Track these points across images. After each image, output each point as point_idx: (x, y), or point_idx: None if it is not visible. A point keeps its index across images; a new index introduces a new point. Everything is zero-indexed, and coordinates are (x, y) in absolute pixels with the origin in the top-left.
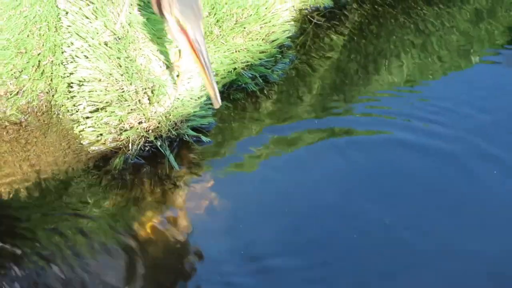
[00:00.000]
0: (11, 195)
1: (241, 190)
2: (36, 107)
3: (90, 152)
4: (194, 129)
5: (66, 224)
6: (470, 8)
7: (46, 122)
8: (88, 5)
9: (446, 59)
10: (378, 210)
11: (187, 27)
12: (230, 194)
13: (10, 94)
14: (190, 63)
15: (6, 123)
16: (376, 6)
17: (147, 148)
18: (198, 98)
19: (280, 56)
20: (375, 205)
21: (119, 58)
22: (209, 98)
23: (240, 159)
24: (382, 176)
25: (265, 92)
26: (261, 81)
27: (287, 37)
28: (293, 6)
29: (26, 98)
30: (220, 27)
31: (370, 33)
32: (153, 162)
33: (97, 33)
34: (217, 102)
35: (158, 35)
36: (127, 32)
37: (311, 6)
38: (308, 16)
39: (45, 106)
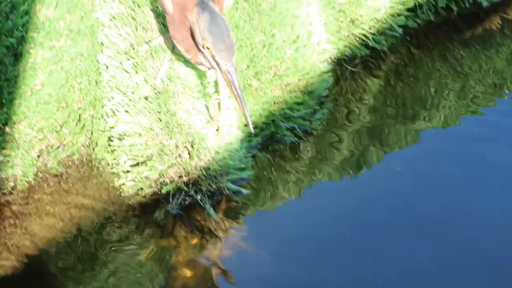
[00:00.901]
0: (52, 247)
1: (278, 240)
2: (76, 160)
3: (130, 204)
4: (233, 181)
5: (105, 274)
6: (507, 51)
7: (86, 174)
8: (128, 59)
9: (483, 102)
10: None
11: (219, 59)
12: (267, 244)
13: (51, 148)
14: (230, 117)
15: (47, 176)
16: (412, 49)
17: (187, 201)
18: (238, 151)
19: (318, 107)
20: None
21: (159, 112)
22: (248, 151)
23: (278, 209)
24: (421, 226)
25: (303, 142)
26: (300, 131)
27: (325, 88)
28: (331, 57)
29: (67, 151)
30: (258, 79)
31: (407, 77)
32: (192, 214)
33: (137, 88)
34: (251, 128)
35: (197, 89)
36: (167, 86)
37: (348, 55)
38: (345, 65)
39: (86, 159)
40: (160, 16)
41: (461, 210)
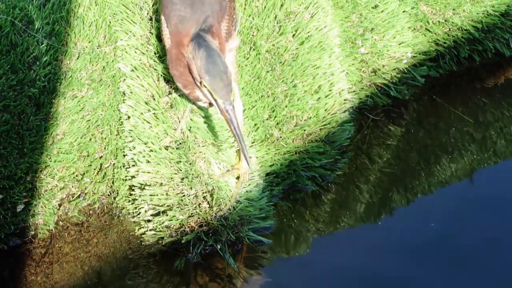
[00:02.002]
0: None
1: None
2: (97, 208)
3: (151, 252)
4: (255, 230)
5: None
6: None
7: (107, 223)
8: (149, 110)
9: (505, 152)
10: None
11: (217, 98)
12: None
13: (72, 197)
14: (246, 167)
15: (68, 224)
16: (435, 97)
17: (207, 250)
18: (259, 200)
19: (340, 156)
20: None
21: (179, 162)
22: (268, 200)
23: (298, 259)
24: (445, 275)
25: (325, 191)
26: (321, 180)
27: (347, 138)
28: (352, 107)
29: (88, 200)
30: (280, 129)
31: (428, 125)
32: (212, 262)
33: (158, 138)
34: (249, 167)
35: (217, 139)
36: (187, 137)
37: (370, 104)
38: (367, 114)
39: (107, 208)
40: None
41: (488, 257)
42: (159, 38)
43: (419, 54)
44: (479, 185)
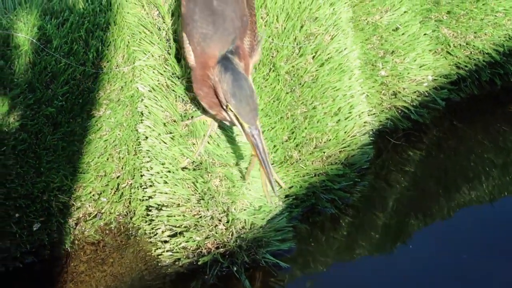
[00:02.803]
0: None
1: None
2: (114, 228)
3: (167, 273)
4: (273, 253)
5: None
6: None
7: (123, 243)
8: (167, 132)
9: None
10: None
11: (243, 122)
12: None
13: (89, 216)
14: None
15: (84, 244)
16: (455, 123)
17: (224, 272)
18: (277, 222)
19: (359, 179)
20: None
21: (196, 183)
22: (287, 222)
23: (318, 284)
24: None
25: (344, 214)
26: (340, 203)
27: (366, 160)
28: (372, 130)
29: (104, 220)
30: (299, 151)
31: (448, 150)
32: (229, 284)
33: (175, 159)
34: (274, 195)
35: (235, 162)
36: (205, 160)
37: (390, 128)
38: (387, 137)
39: (123, 228)
40: None
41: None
42: (178, 57)
43: (440, 77)
44: (499, 212)
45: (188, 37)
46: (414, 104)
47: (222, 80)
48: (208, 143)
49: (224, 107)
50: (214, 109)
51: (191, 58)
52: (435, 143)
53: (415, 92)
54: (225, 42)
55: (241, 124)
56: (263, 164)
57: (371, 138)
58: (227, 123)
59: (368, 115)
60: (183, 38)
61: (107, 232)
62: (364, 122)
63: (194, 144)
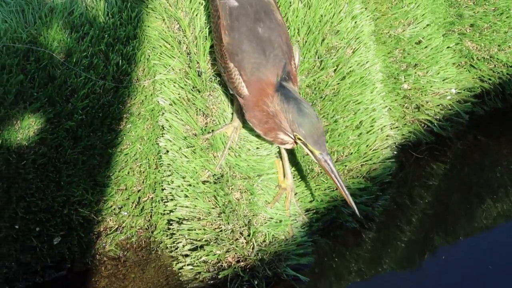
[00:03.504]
0: None
1: None
2: (135, 243)
3: None
4: (293, 267)
5: None
6: None
7: (144, 258)
8: (188, 145)
9: None
10: None
11: (313, 150)
12: None
13: (110, 230)
14: (292, 183)
15: (105, 258)
16: (479, 137)
17: (244, 286)
18: (298, 236)
19: (381, 193)
20: None
21: (216, 197)
22: (308, 236)
23: None
24: None
25: (365, 229)
26: (361, 217)
27: (388, 174)
28: (394, 143)
29: (125, 234)
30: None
31: (473, 163)
32: None
33: (196, 173)
34: (355, 210)
35: (256, 174)
36: (226, 173)
37: (413, 141)
38: (410, 151)
39: (144, 242)
40: (222, 102)
41: None
42: (199, 70)
43: (464, 90)
44: None
45: (238, 68)
46: (437, 117)
47: (285, 110)
48: (229, 155)
49: (292, 136)
50: (269, 135)
51: (242, 88)
52: (459, 157)
53: (438, 105)
54: (278, 69)
55: (311, 151)
56: (340, 187)
57: (393, 152)
58: (287, 146)
59: (391, 129)
60: (231, 68)
61: (128, 246)
62: (386, 136)
63: (215, 157)
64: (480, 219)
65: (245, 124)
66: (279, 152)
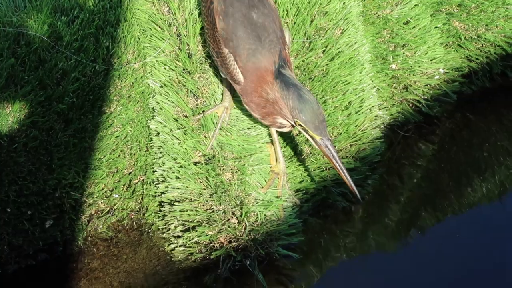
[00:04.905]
0: None
1: None
2: (126, 224)
3: (181, 269)
4: (284, 246)
5: None
6: None
7: (136, 239)
8: (179, 126)
9: None
10: None
11: (314, 135)
12: None
13: (101, 213)
14: (284, 167)
15: (97, 240)
16: (468, 115)
17: (237, 266)
18: (288, 216)
19: (370, 173)
20: None
21: (208, 178)
22: (298, 216)
23: (329, 276)
24: None
25: (355, 208)
26: (351, 197)
27: (377, 154)
28: (383, 123)
29: (116, 216)
30: (310, 145)
31: (461, 141)
32: (242, 278)
33: (187, 154)
34: (356, 195)
35: (247, 154)
36: (217, 152)
37: (401, 121)
38: (398, 130)
39: (136, 224)
40: (212, 84)
41: None
42: (189, 52)
43: (451, 70)
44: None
45: (234, 54)
46: (426, 97)
47: (286, 97)
48: (220, 135)
49: (292, 123)
50: (267, 119)
51: (239, 75)
52: (447, 136)
53: (426, 85)
54: (275, 54)
55: (311, 137)
56: (341, 172)
57: (382, 132)
58: (284, 130)
59: (379, 109)
60: (225, 54)
61: (119, 228)
62: (375, 116)
63: (206, 138)
64: (469, 196)
65: (236, 105)
66: (270, 134)
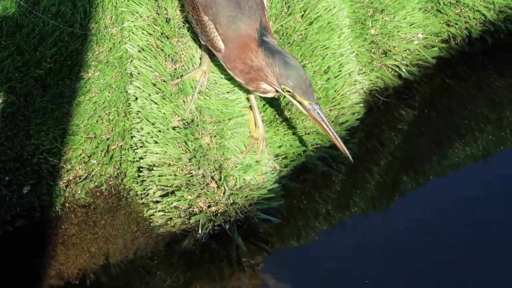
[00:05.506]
0: (78, 279)
1: (305, 273)
2: (105, 190)
3: (160, 234)
4: (263, 211)
5: None
6: None
7: (115, 205)
8: (157, 91)
9: None
10: None
11: (302, 100)
12: (291, 278)
13: (79, 179)
14: (264, 133)
15: (75, 206)
16: (447, 80)
17: (216, 231)
18: (268, 180)
19: (350, 137)
20: None
21: (187, 142)
22: (277, 181)
23: (308, 241)
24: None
25: (335, 172)
26: (331, 161)
27: (357, 119)
28: (362, 88)
29: (95, 182)
30: (289, 110)
31: (441, 107)
32: (221, 243)
33: (166, 119)
34: (348, 157)
35: (226, 118)
36: (196, 117)
37: (380, 87)
38: (377, 96)
39: (114, 189)
40: (190, 48)
41: (500, 239)
42: (167, 17)
43: (430, 35)
44: (494, 166)
45: (213, 21)
46: (405, 62)
47: (271, 64)
48: (199, 99)
49: (280, 90)
50: (251, 85)
51: (219, 43)
52: (427, 101)
53: (405, 50)
54: (255, 21)
55: (299, 102)
56: (332, 135)
57: (361, 97)
58: (269, 95)
59: (358, 74)
60: (205, 22)
61: (98, 194)
62: (354, 81)
63: (184, 102)
64: (450, 159)
65: (215, 69)
66: (248, 99)
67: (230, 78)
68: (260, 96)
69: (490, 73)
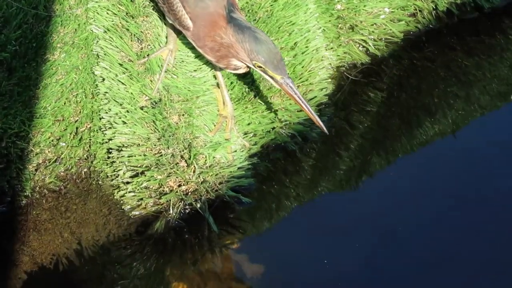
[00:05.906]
0: (51, 264)
1: (276, 254)
2: (75, 174)
3: (132, 217)
4: (234, 189)
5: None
6: (511, 57)
7: (85, 189)
8: (124, 71)
9: (488, 110)
10: None
11: (274, 75)
12: (263, 258)
13: (49, 162)
14: (232, 111)
15: (45, 191)
16: (415, 61)
17: (187, 210)
18: (238, 158)
19: (319, 114)
20: None
21: (155, 121)
22: (247, 159)
23: (278, 221)
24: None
25: (305, 150)
26: (300, 139)
27: (325, 95)
28: (330, 64)
29: (64, 165)
30: (257, 87)
31: (410, 88)
32: (193, 224)
33: (134, 99)
34: (323, 129)
35: (194, 96)
36: (163, 96)
37: (348, 63)
38: (345, 73)
39: (84, 172)
40: (156, 27)
41: (473, 217)
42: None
43: (397, 9)
44: (461, 144)
45: (181, 0)
46: (372, 37)
47: (241, 40)
48: (166, 78)
49: (251, 65)
50: (222, 62)
51: (187, 21)
52: (395, 82)
53: (372, 25)
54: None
55: (272, 77)
56: (305, 108)
57: (329, 73)
58: (240, 71)
59: (326, 50)
60: (172, 0)
61: (68, 178)
62: (322, 57)
63: (151, 81)
64: (418, 139)
65: (181, 47)
66: (215, 77)
67: (197, 56)
68: (231, 73)
69: (458, 52)
